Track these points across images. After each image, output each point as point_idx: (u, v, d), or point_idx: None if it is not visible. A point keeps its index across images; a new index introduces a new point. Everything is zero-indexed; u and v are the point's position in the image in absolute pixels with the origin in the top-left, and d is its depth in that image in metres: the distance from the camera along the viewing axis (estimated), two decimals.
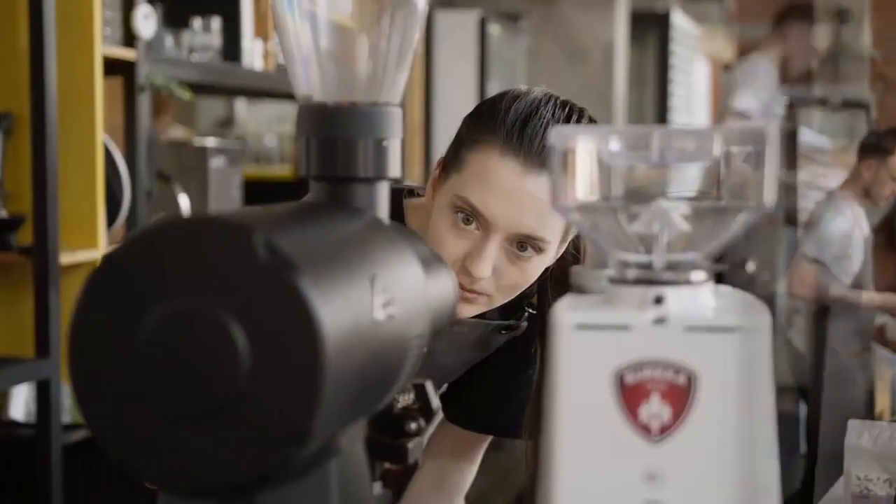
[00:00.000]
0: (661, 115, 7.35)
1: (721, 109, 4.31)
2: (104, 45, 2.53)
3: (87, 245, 2.46)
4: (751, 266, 4.15)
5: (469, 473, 1.53)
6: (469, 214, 1.23)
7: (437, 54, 4.75)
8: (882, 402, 5.06)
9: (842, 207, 4.17)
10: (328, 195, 0.77)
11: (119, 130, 2.66)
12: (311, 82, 0.78)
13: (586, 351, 0.67)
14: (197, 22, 3.03)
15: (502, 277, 1.25)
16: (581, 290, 0.76)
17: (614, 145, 0.68)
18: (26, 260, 2.34)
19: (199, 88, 3.20)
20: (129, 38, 2.63)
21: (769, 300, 4.23)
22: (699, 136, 0.68)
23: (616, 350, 0.67)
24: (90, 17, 2.44)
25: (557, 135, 0.69)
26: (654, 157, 0.68)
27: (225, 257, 0.60)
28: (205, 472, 0.60)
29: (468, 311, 1.28)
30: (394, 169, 0.78)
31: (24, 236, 2.36)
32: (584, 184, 0.70)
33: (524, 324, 1.41)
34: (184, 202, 2.91)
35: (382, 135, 0.77)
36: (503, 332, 1.41)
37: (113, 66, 2.60)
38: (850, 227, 4.12)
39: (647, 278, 0.69)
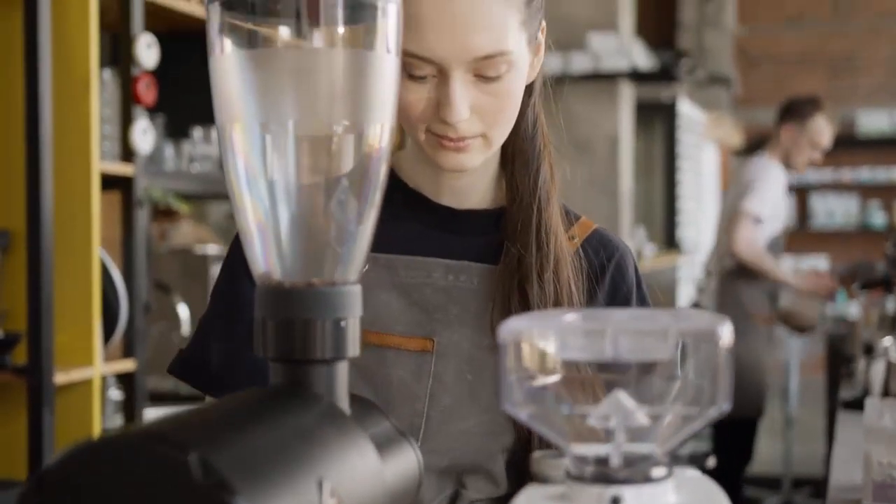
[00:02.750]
0: (670, 203, 7.36)
1: (730, 209, 4.31)
2: (102, 161, 2.54)
3: (83, 363, 2.45)
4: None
5: None
6: (416, 66, 1.10)
7: None
8: None
9: (775, 171, 4.23)
10: (285, 378, 0.76)
11: (117, 243, 2.66)
12: (268, 261, 0.77)
13: None
14: (197, 132, 3.05)
15: (484, 111, 1.12)
16: (542, 479, 0.74)
17: (567, 341, 0.67)
18: (20, 380, 2.32)
19: (201, 194, 3.20)
20: (128, 153, 2.64)
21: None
22: (653, 333, 0.66)
23: None
24: (88, 133, 2.45)
25: (508, 329, 0.67)
26: (608, 352, 0.66)
27: (160, 478, 0.58)
28: None
29: (469, 160, 1.15)
30: (353, 348, 0.77)
31: (19, 355, 2.35)
32: (536, 378, 0.68)
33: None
34: (183, 312, 2.90)
35: (341, 314, 0.76)
36: None
37: (111, 181, 2.60)
38: (780, 191, 4.20)
39: (605, 476, 0.67)
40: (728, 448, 4.30)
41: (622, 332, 0.67)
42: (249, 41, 0.76)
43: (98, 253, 2.46)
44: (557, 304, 1.18)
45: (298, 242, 0.76)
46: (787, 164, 4.30)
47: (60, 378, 2.35)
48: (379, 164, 0.78)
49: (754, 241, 4.13)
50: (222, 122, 0.76)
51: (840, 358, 4.28)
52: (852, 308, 6.10)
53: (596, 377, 0.70)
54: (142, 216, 2.65)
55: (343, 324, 0.76)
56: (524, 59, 1.14)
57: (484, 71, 1.10)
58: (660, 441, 0.68)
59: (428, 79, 1.11)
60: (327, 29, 0.75)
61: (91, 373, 2.45)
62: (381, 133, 0.78)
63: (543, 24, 1.20)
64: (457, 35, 1.08)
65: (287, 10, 0.75)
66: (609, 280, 1.26)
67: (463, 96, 1.10)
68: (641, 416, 0.68)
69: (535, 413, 0.69)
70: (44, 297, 2.31)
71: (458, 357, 1.19)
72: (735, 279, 4.29)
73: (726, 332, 0.66)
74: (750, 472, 4.86)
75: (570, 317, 0.70)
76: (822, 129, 4.24)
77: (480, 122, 1.13)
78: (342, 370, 0.77)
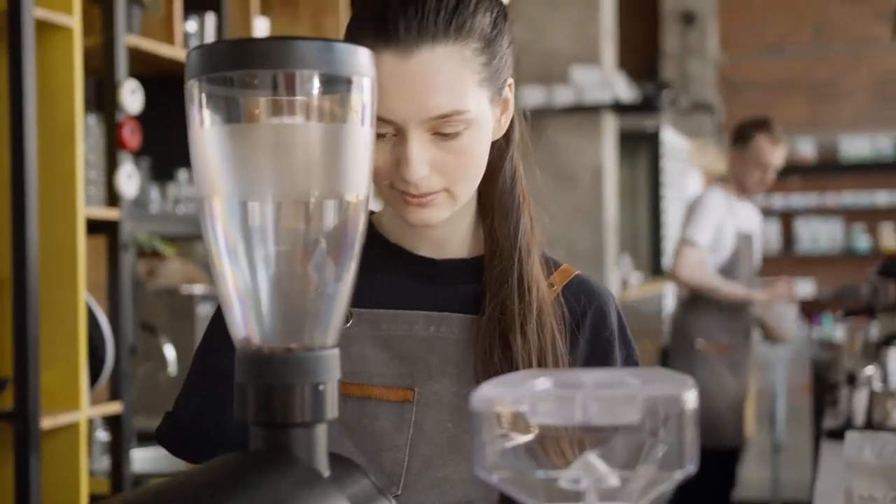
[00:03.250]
0: (655, 231, 7.40)
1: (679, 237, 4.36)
2: (88, 206, 2.55)
3: (69, 407, 2.46)
4: None
5: None
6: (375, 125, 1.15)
7: None
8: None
9: (716, 198, 4.25)
10: (265, 442, 0.78)
11: (103, 286, 2.68)
12: (248, 327, 0.79)
13: None
14: (182, 174, 3.07)
15: (444, 168, 1.15)
16: None
17: (538, 407, 0.69)
18: (7, 425, 2.33)
19: (188, 236, 3.22)
20: (113, 197, 2.66)
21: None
22: (621, 399, 0.68)
23: None
24: (73, 178, 2.47)
25: (480, 398, 0.69)
26: (577, 417, 0.69)
27: None
28: None
29: (433, 215, 1.18)
30: (332, 411, 0.79)
31: (6, 400, 2.35)
32: (508, 442, 0.70)
33: None
34: (170, 353, 2.92)
35: (319, 379, 0.78)
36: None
37: (97, 225, 2.62)
38: (722, 217, 4.20)
39: None
40: (711, 476, 4.30)
41: (591, 397, 0.69)
42: (229, 116, 0.79)
43: (84, 297, 2.48)
44: (541, 353, 1.20)
45: (277, 309, 0.78)
46: (742, 188, 4.31)
47: (47, 423, 2.36)
48: (355, 232, 0.80)
49: (695, 265, 4.15)
50: (203, 195, 0.79)
51: (825, 384, 4.30)
52: (838, 332, 6.13)
53: (568, 438, 0.72)
54: (127, 260, 2.66)
55: (321, 388, 0.78)
56: (485, 116, 1.17)
57: (441, 129, 1.13)
58: (632, 500, 0.70)
59: (388, 137, 1.14)
60: (304, 103, 0.78)
61: (77, 416, 2.46)
62: (357, 201, 0.80)
63: (510, 81, 1.22)
64: (412, 96, 1.11)
65: (264, 84, 0.78)
66: (589, 327, 1.27)
67: (421, 155, 1.13)
68: (612, 477, 0.70)
69: (506, 477, 0.71)
70: (30, 342, 2.32)
71: (439, 407, 1.21)
72: (687, 310, 4.30)
73: (691, 397, 0.68)
74: (738, 497, 4.87)
75: (541, 382, 0.72)
76: (765, 149, 4.23)
77: (442, 178, 1.15)
78: (321, 432, 0.79)
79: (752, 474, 5.88)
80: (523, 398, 0.70)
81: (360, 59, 0.78)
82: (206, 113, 0.77)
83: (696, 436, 0.69)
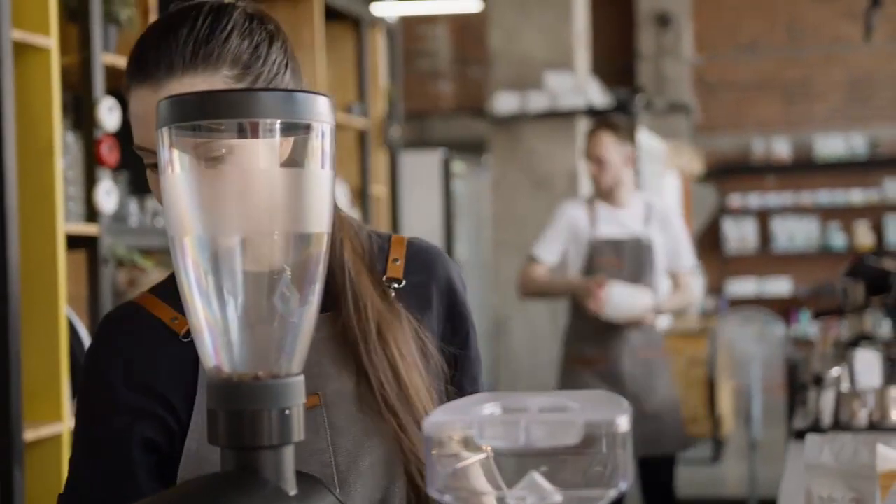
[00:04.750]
0: None
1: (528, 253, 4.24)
2: (67, 222, 2.60)
3: (52, 419, 2.51)
4: None
5: None
6: (145, 155, 1.18)
7: (403, 193, 4.85)
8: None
9: (563, 211, 4.17)
10: (236, 464, 0.83)
11: (83, 299, 2.72)
12: (218, 356, 0.84)
13: None
14: None
15: None
16: None
17: (485, 431, 0.75)
18: None
19: (166, 249, 3.26)
20: (92, 213, 2.70)
21: None
22: (560, 424, 0.74)
23: None
24: (52, 195, 2.52)
25: (431, 423, 0.75)
26: (521, 440, 0.75)
27: None
28: None
29: None
30: (298, 433, 0.85)
31: None
32: (458, 462, 0.76)
33: None
34: None
35: (286, 404, 0.84)
36: None
37: (76, 241, 2.67)
38: (571, 229, 4.10)
39: None
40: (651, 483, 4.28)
41: (534, 422, 0.75)
42: (197, 161, 0.85)
43: (64, 312, 2.53)
44: (392, 365, 1.26)
45: (245, 340, 0.84)
46: (598, 193, 4.18)
47: (30, 435, 2.41)
48: (317, 264, 0.86)
49: (531, 279, 4.07)
50: (174, 234, 0.84)
51: (798, 383, 4.35)
52: (813, 330, 6.21)
53: (514, 459, 0.78)
54: (107, 274, 2.71)
55: (288, 412, 0.83)
56: (251, 143, 1.22)
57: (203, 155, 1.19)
58: None
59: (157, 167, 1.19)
60: (267, 148, 0.84)
61: (60, 428, 2.51)
62: (318, 236, 0.86)
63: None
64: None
65: (230, 132, 0.84)
66: (439, 294, 1.34)
67: None
68: (556, 495, 0.76)
69: (457, 496, 0.77)
70: (12, 355, 2.37)
71: (345, 402, 1.26)
72: (566, 324, 4.25)
73: (624, 420, 0.74)
74: (715, 494, 4.93)
75: (488, 408, 0.78)
76: (589, 144, 4.10)
77: None
78: (288, 454, 0.85)
79: (729, 471, 5.96)
80: (472, 423, 0.76)
81: (319, 107, 0.84)
82: (176, 159, 0.83)
83: (630, 455, 0.75)
